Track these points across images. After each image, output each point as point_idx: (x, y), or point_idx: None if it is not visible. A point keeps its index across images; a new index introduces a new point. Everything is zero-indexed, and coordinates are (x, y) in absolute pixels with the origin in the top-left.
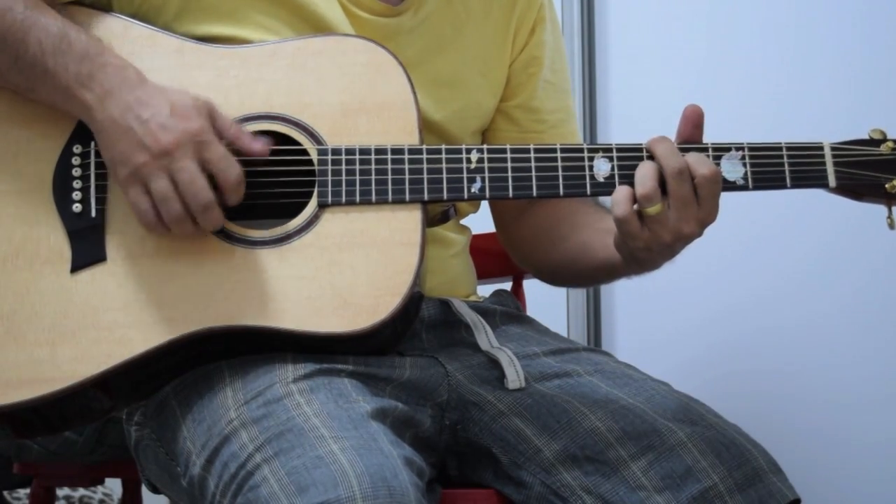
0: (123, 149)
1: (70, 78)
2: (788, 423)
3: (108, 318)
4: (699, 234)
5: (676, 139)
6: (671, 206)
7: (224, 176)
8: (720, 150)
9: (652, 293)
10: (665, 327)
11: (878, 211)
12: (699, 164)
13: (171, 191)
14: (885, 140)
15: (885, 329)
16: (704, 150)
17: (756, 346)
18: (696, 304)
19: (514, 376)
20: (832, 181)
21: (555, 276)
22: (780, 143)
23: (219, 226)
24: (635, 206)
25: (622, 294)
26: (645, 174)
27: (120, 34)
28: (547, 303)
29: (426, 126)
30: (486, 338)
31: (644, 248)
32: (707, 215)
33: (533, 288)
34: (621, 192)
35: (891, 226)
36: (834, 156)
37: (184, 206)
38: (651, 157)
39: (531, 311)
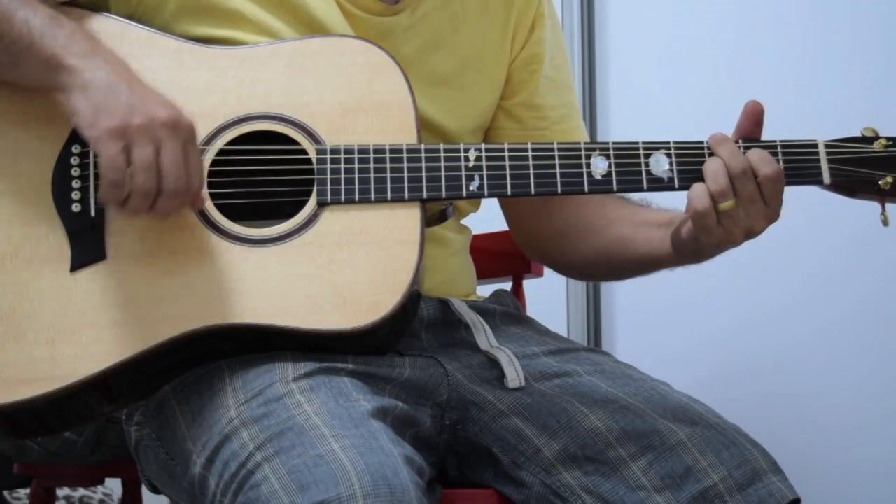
0: (116, 103)
1: (58, 47)
2: (788, 423)
3: (108, 317)
4: (764, 231)
5: (734, 134)
6: (742, 208)
7: (192, 177)
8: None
9: (652, 293)
10: (665, 327)
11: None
12: (763, 163)
13: (154, 163)
14: (877, 137)
15: (886, 335)
16: (700, 146)
17: (756, 346)
18: (696, 304)
19: (514, 375)
20: (826, 178)
21: (587, 271)
22: (775, 141)
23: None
24: None
25: (622, 294)
26: (717, 170)
27: (117, 35)
28: (547, 303)
29: (424, 124)
30: (485, 337)
31: (715, 245)
32: (773, 212)
33: (533, 288)
34: (699, 187)
35: (884, 222)
36: (828, 153)
37: (154, 180)
38: (712, 155)
39: (531, 311)
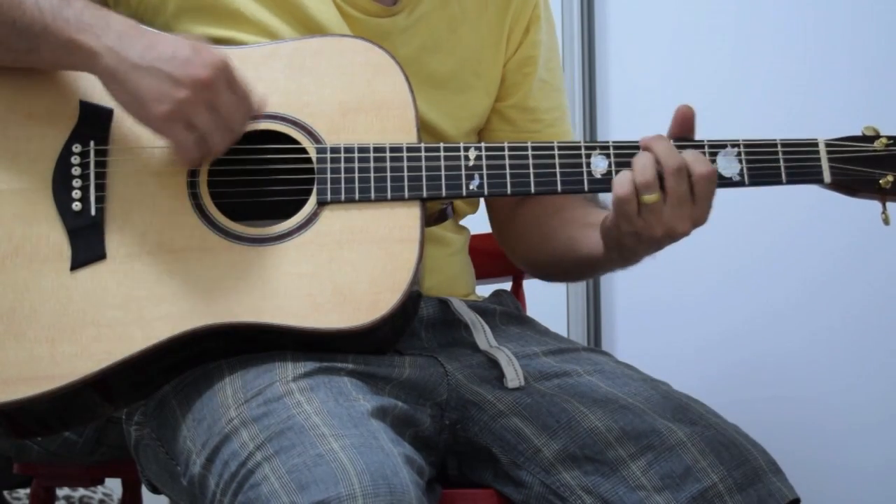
0: (156, 86)
1: (71, 29)
2: (788, 423)
3: (108, 316)
4: (689, 232)
5: (668, 137)
6: (667, 203)
7: (251, 99)
8: (716, 147)
9: (652, 293)
10: (665, 327)
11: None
12: (697, 162)
13: (214, 123)
14: (878, 137)
15: (886, 337)
16: (700, 146)
17: (756, 346)
18: (696, 305)
19: (514, 375)
20: (827, 177)
21: (546, 272)
22: (775, 140)
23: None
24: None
25: (622, 294)
26: (645, 164)
27: None
28: (547, 303)
29: (422, 125)
30: (484, 337)
31: (633, 235)
32: (701, 214)
33: (533, 288)
34: (624, 174)
35: (885, 221)
36: (828, 152)
37: (227, 133)
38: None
39: (531, 311)
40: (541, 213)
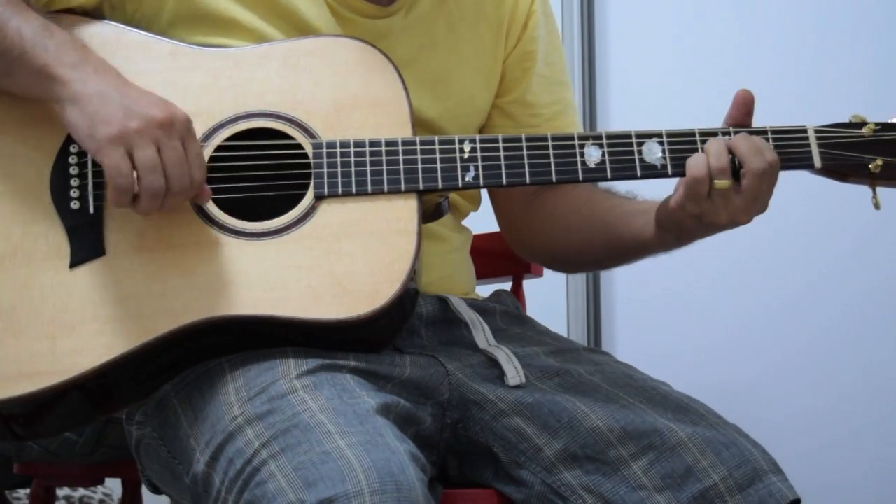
0: (111, 111)
1: (49, 57)
2: (789, 424)
3: (108, 312)
4: (749, 223)
5: (724, 123)
6: (741, 197)
7: (194, 171)
8: (706, 135)
9: (652, 293)
10: (665, 328)
11: (880, 223)
12: (763, 151)
13: (159, 163)
14: (865, 123)
15: (885, 337)
16: (691, 136)
17: (756, 345)
18: (696, 305)
19: (514, 372)
20: (817, 162)
21: (571, 262)
22: (766, 127)
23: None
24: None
25: (622, 295)
26: (720, 149)
27: (113, 40)
28: (547, 303)
29: (421, 123)
30: (483, 336)
31: (696, 218)
32: (763, 207)
33: (533, 288)
34: (699, 156)
35: (876, 206)
36: (818, 138)
37: (162, 181)
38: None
39: (531, 311)
40: (566, 203)
